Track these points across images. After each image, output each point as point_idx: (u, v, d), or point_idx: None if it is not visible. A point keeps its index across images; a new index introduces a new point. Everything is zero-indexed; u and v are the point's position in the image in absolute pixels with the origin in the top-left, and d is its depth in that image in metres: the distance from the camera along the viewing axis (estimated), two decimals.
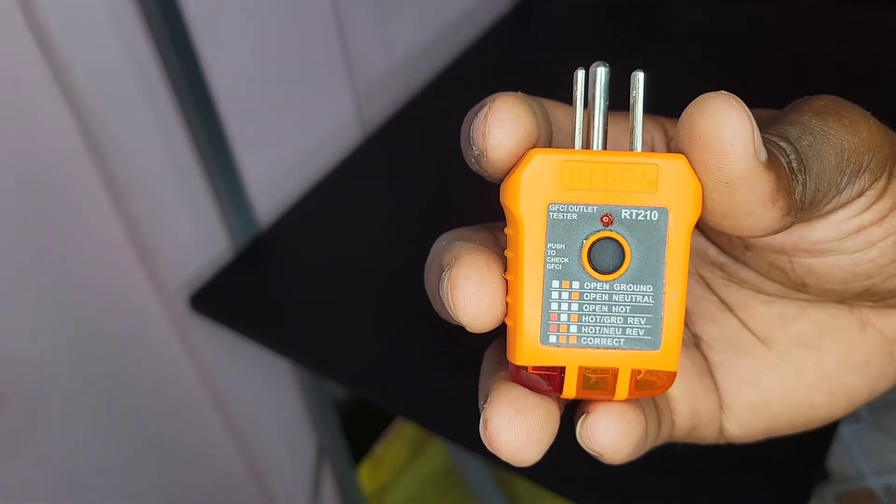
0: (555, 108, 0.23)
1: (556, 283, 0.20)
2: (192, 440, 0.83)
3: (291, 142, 0.80)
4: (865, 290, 0.24)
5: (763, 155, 0.19)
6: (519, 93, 0.20)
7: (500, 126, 0.20)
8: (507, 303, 0.21)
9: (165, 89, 0.65)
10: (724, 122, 0.19)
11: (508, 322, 0.21)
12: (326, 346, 0.67)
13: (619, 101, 0.21)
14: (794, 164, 0.20)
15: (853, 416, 1.19)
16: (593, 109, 0.20)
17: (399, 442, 1.12)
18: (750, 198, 0.19)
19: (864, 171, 0.20)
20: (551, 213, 0.20)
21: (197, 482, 0.85)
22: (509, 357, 0.21)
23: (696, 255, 0.26)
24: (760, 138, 0.19)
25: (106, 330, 0.69)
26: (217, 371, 0.80)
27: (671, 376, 0.20)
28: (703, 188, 0.19)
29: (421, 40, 0.92)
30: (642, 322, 0.20)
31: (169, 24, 0.60)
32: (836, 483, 1.16)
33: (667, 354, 0.20)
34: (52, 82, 0.58)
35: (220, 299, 0.72)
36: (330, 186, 0.81)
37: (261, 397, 0.88)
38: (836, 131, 0.20)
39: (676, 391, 0.25)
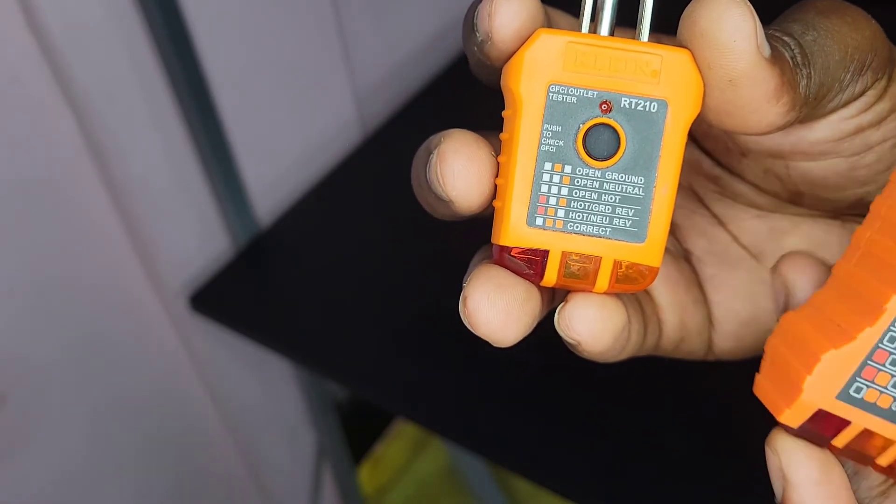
0: (553, 13, 0.22)
1: (548, 166, 0.20)
2: (192, 440, 0.83)
3: (291, 141, 0.80)
4: (859, 200, 0.24)
5: (767, 50, 0.19)
6: None
7: (508, 4, 0.19)
8: (496, 185, 0.20)
9: (165, 89, 0.65)
10: (725, 18, 0.18)
11: (496, 204, 0.20)
12: (326, 346, 0.67)
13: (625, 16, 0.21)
14: (799, 59, 0.19)
15: None
16: None
17: (399, 442, 1.12)
18: (754, 94, 0.19)
19: (867, 69, 0.20)
20: (551, 94, 0.19)
21: (197, 482, 0.85)
22: (494, 239, 0.20)
23: (689, 168, 0.26)
24: (763, 34, 0.18)
25: (106, 330, 0.69)
26: (217, 371, 0.80)
27: (653, 272, 0.20)
28: (705, 85, 0.19)
29: (421, 40, 0.92)
30: (630, 213, 0.20)
31: (169, 23, 0.60)
32: None
33: (651, 248, 0.20)
34: (52, 82, 0.58)
35: (220, 299, 0.72)
36: (330, 186, 0.81)
37: (261, 397, 0.88)
38: (839, 28, 0.20)
39: (664, 300, 0.25)
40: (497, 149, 0.21)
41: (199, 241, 0.74)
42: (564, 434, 0.58)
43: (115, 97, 0.61)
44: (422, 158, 0.21)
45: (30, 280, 0.62)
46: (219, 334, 0.75)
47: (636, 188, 0.20)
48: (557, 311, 0.21)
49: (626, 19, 0.21)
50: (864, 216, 0.24)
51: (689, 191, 0.26)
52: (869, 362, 0.18)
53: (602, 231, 0.20)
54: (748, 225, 0.25)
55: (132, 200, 0.66)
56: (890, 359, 0.18)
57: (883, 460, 0.19)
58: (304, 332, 0.68)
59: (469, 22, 0.20)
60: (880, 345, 0.18)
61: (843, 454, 0.19)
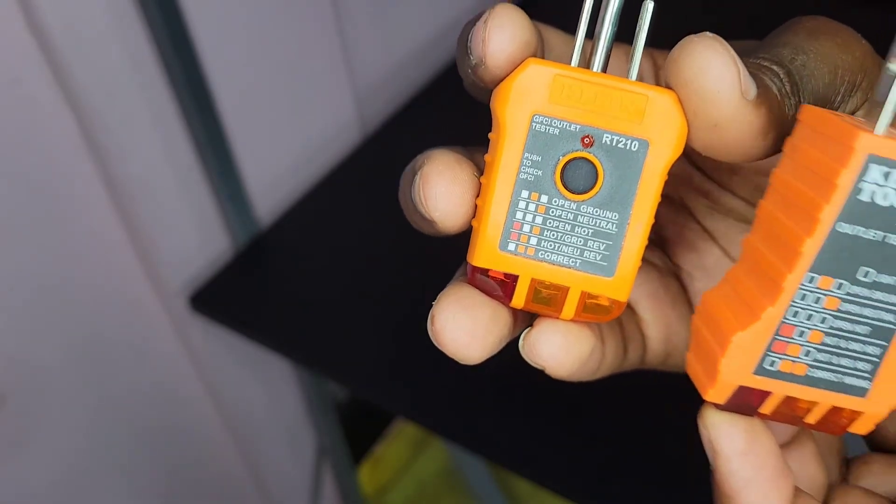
0: (550, 33, 0.22)
1: (525, 193, 0.20)
2: (192, 440, 0.83)
3: (291, 142, 0.80)
4: None
5: (752, 93, 0.19)
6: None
7: (501, 30, 0.19)
8: (476, 205, 0.21)
9: (165, 90, 0.65)
10: (709, 68, 0.18)
11: (474, 223, 0.21)
12: (326, 346, 0.67)
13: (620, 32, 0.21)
14: (787, 88, 0.20)
15: None
16: (600, 31, 0.20)
17: (399, 442, 1.12)
18: (740, 136, 0.19)
19: (856, 90, 0.20)
20: (535, 124, 0.20)
21: (197, 482, 0.85)
22: (468, 258, 0.21)
23: (680, 182, 0.26)
24: (748, 78, 0.19)
25: (106, 330, 0.69)
26: (217, 371, 0.80)
27: (620, 305, 0.21)
28: (691, 126, 0.19)
29: (421, 40, 0.92)
30: (601, 248, 0.20)
31: (169, 24, 0.60)
32: None
33: (619, 283, 0.20)
34: (52, 83, 0.58)
35: (220, 299, 0.72)
36: (330, 186, 0.81)
37: (261, 397, 0.88)
38: (829, 50, 0.20)
39: (648, 316, 0.25)
40: (481, 166, 0.21)
41: (199, 241, 0.74)
42: (564, 434, 0.58)
43: (116, 97, 0.61)
44: (408, 178, 0.21)
45: (29, 280, 0.62)
46: (219, 334, 0.75)
47: (610, 223, 0.20)
48: (522, 335, 0.22)
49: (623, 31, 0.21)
50: None
51: (681, 205, 0.26)
52: (777, 338, 0.19)
53: (572, 262, 0.20)
54: (739, 240, 0.25)
55: (132, 200, 0.66)
56: (797, 331, 0.19)
57: (811, 419, 0.20)
58: (304, 331, 0.68)
59: (463, 44, 0.20)
60: (785, 320, 0.19)
61: (773, 419, 0.20)
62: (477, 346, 0.21)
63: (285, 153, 0.79)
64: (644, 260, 0.26)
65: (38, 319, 0.64)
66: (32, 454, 0.67)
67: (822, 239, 0.18)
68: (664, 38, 0.24)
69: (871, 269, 0.18)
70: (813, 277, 0.18)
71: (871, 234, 0.18)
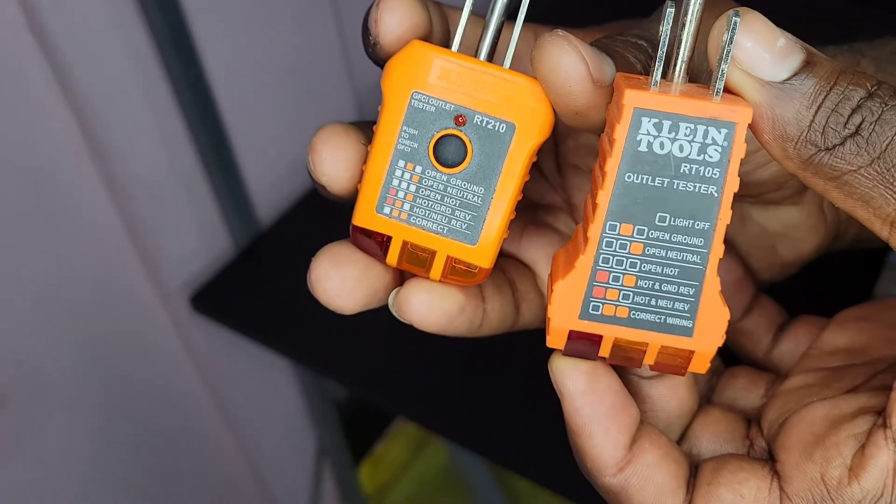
0: (454, 14, 0.24)
1: (401, 163, 0.22)
2: (193, 439, 0.83)
3: (292, 141, 0.80)
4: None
5: (608, 77, 0.20)
6: None
7: (391, 13, 0.22)
8: (362, 170, 0.23)
9: (166, 90, 0.65)
10: (558, 65, 0.20)
11: (358, 187, 0.23)
12: (327, 346, 0.67)
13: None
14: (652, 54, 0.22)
15: None
16: (489, 21, 0.22)
17: (399, 441, 1.12)
18: (601, 116, 0.21)
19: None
20: (413, 101, 0.22)
21: (197, 481, 0.86)
22: (352, 218, 0.23)
23: (588, 152, 0.28)
24: (600, 65, 0.20)
25: (106, 330, 0.69)
26: (217, 371, 0.81)
27: (484, 272, 0.23)
28: (557, 114, 0.21)
29: None
30: (467, 218, 0.22)
31: (169, 24, 0.61)
32: None
33: (482, 251, 0.22)
34: (52, 83, 0.58)
35: (221, 299, 0.72)
36: None
37: (261, 397, 0.88)
38: (707, 22, 0.21)
39: (546, 276, 0.27)
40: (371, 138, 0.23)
41: (200, 241, 0.74)
42: (564, 433, 0.58)
43: (116, 98, 0.61)
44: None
45: (30, 280, 0.62)
46: (219, 334, 0.75)
47: (476, 196, 0.22)
48: (392, 293, 0.24)
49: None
50: (751, 197, 0.29)
51: (590, 173, 0.28)
52: (595, 283, 0.21)
53: (441, 228, 0.22)
54: None
55: (133, 200, 0.66)
56: (611, 276, 0.21)
57: (648, 360, 0.21)
58: (304, 331, 0.69)
59: (364, 25, 0.23)
60: (598, 267, 0.21)
61: (613, 362, 0.22)
62: (347, 297, 0.24)
63: (286, 153, 0.79)
64: (548, 225, 0.28)
65: (39, 319, 0.64)
66: (33, 453, 0.67)
67: (611, 189, 0.20)
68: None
69: (666, 214, 0.20)
70: (614, 226, 0.20)
71: (658, 181, 0.20)
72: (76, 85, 0.59)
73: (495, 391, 0.61)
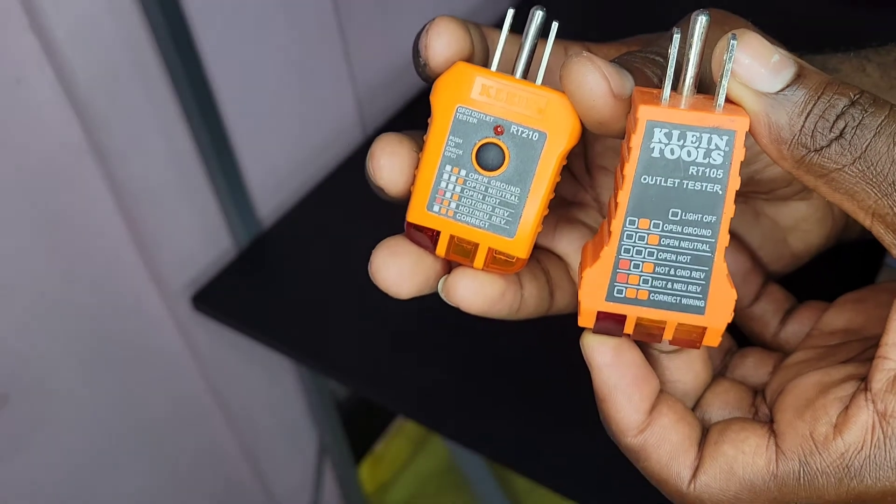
0: (492, 34, 0.28)
1: (448, 168, 0.25)
2: (194, 438, 0.83)
3: (293, 142, 0.80)
4: (750, 178, 0.29)
5: (627, 91, 0.24)
6: (456, 17, 0.26)
7: (439, 38, 0.25)
8: (415, 175, 0.26)
9: (168, 90, 0.65)
10: (583, 84, 0.23)
11: (411, 189, 0.26)
12: (327, 346, 0.67)
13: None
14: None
15: None
16: (523, 44, 0.25)
17: (400, 440, 1.12)
18: (622, 126, 0.24)
19: None
20: (458, 114, 0.25)
21: (198, 480, 0.86)
22: (406, 215, 0.26)
23: (611, 155, 0.31)
24: (620, 81, 0.23)
25: (108, 329, 0.70)
26: (219, 370, 0.81)
27: (521, 261, 0.26)
28: (584, 124, 0.24)
29: None
30: (505, 214, 0.25)
31: (171, 25, 0.61)
32: None
33: (519, 243, 0.25)
34: (54, 83, 0.58)
35: (223, 299, 0.73)
36: (332, 187, 0.81)
37: (262, 396, 0.88)
38: (716, 37, 0.23)
39: (576, 263, 0.30)
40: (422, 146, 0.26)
41: (202, 241, 0.74)
42: (564, 432, 0.59)
43: (118, 98, 0.62)
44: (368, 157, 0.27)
45: (32, 280, 0.62)
46: (221, 333, 0.75)
47: (513, 196, 0.25)
48: (441, 280, 0.27)
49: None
50: (764, 194, 0.31)
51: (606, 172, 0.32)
52: (618, 270, 0.24)
53: (482, 224, 0.25)
54: None
55: (134, 200, 0.66)
56: (632, 264, 0.24)
57: (667, 336, 0.25)
58: (305, 330, 0.69)
59: (415, 48, 0.26)
60: (620, 256, 0.24)
61: (637, 338, 0.25)
62: (403, 284, 0.27)
63: (287, 153, 0.80)
64: (578, 221, 0.32)
65: (41, 318, 0.64)
66: (34, 453, 0.67)
67: (630, 189, 0.23)
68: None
69: (678, 210, 0.23)
70: (633, 220, 0.24)
71: (670, 182, 0.23)
72: (78, 85, 0.59)
73: (495, 391, 0.62)
